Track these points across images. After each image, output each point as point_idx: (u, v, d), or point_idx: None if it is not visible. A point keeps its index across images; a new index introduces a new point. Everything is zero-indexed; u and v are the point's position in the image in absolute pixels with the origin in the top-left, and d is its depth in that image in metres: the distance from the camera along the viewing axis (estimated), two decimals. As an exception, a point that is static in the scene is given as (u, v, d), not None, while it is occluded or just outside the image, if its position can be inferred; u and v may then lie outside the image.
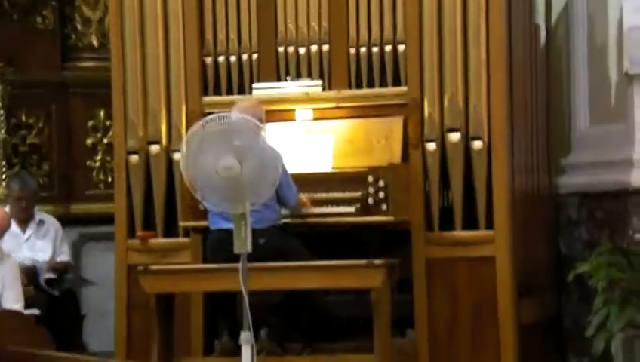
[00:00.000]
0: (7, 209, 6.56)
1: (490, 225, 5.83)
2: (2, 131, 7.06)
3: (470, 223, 5.89)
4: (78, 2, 7.50)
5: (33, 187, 6.74)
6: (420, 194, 5.88)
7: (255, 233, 4.80)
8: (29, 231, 6.69)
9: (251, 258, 4.75)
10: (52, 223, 6.77)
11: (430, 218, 5.90)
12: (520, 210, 6.03)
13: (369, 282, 5.42)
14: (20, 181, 6.68)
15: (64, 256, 6.75)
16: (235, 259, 4.80)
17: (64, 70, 7.45)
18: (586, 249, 6.32)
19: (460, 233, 5.87)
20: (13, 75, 7.12)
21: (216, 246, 5.68)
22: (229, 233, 5.08)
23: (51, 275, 6.55)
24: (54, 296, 6.46)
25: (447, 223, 5.91)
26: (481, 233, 5.84)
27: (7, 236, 6.40)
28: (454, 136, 5.88)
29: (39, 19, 7.42)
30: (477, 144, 5.86)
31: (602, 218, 6.34)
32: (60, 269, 6.68)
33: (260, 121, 5.65)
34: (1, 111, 7.06)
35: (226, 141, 4.58)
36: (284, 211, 5.77)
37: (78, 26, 7.52)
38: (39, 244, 6.69)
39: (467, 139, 5.88)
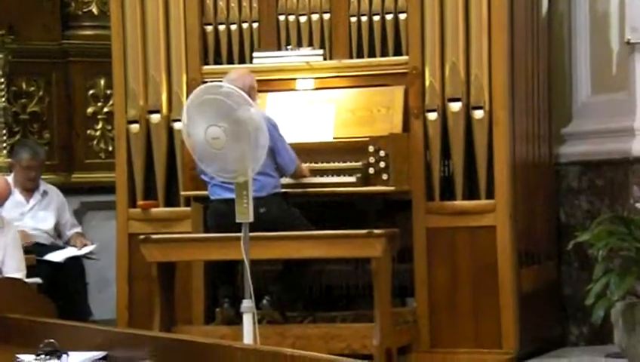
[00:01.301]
0: (10, 177, 6.56)
1: (490, 195, 5.84)
2: (3, 99, 7.04)
3: (471, 193, 5.89)
4: (76, -30, 7.47)
5: (43, 157, 6.74)
6: (421, 163, 5.88)
7: (255, 201, 4.81)
8: (32, 201, 6.68)
9: (251, 226, 4.76)
10: (56, 194, 6.76)
11: (431, 187, 5.90)
12: (521, 180, 6.03)
13: (369, 251, 5.43)
14: (30, 150, 6.66)
15: (76, 228, 6.76)
16: (236, 228, 4.81)
17: (64, 38, 7.42)
18: (586, 218, 6.33)
19: (460, 202, 5.87)
20: (13, 44, 7.08)
21: (217, 216, 5.69)
22: (229, 203, 5.11)
23: (59, 259, 6.49)
24: (58, 263, 6.47)
25: (447, 193, 5.91)
26: (482, 202, 5.85)
27: (10, 204, 6.40)
28: (455, 106, 5.87)
29: (39, -13, 7.39)
30: (478, 113, 5.85)
31: (603, 187, 6.35)
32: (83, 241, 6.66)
33: (252, 89, 5.67)
34: (2, 80, 7.03)
35: (212, 111, 4.59)
36: (284, 180, 5.78)
37: (79, -6, 7.49)
38: (42, 214, 6.68)
39: (468, 108, 5.87)
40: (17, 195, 6.60)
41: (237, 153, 4.59)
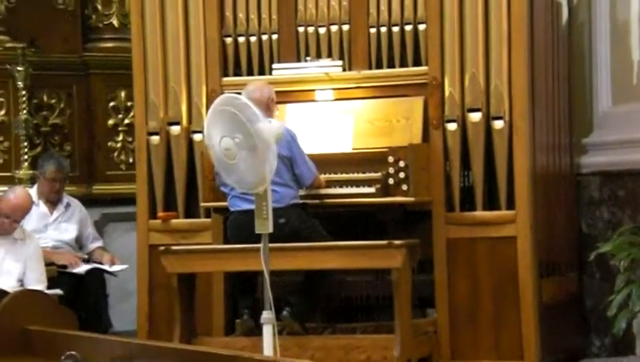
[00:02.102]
0: (32, 190, 6.60)
1: (511, 206, 5.82)
2: (24, 112, 7.09)
3: (491, 203, 5.88)
4: (99, -17, 7.52)
5: (67, 169, 6.78)
6: (441, 174, 5.87)
7: (275, 212, 4.81)
8: (56, 213, 6.71)
9: (271, 237, 4.76)
10: (78, 206, 6.79)
11: (451, 198, 5.89)
12: (541, 190, 6.01)
13: (390, 262, 5.42)
14: (56, 162, 6.70)
15: (98, 242, 6.78)
16: (256, 239, 4.81)
17: (85, 51, 7.46)
18: (607, 228, 6.30)
19: (480, 213, 5.85)
20: (34, 56, 7.14)
21: (237, 227, 5.70)
22: (248, 214, 5.11)
23: (80, 271, 6.50)
24: (79, 275, 6.49)
25: (468, 203, 5.90)
26: (502, 213, 5.83)
27: (35, 216, 6.44)
28: (475, 116, 5.86)
29: (60, 0, 7.42)
30: (498, 124, 5.83)
31: (624, 197, 6.31)
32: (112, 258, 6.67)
33: (270, 101, 5.69)
34: (24, 92, 7.08)
35: (225, 122, 4.61)
36: (302, 192, 5.78)
37: (99, 7, 7.52)
38: (64, 226, 6.71)
39: (488, 118, 5.86)
40: (42, 207, 6.65)
41: (246, 165, 4.60)
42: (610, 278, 5.74)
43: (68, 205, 6.74)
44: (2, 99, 7.19)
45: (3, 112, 7.19)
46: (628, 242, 5.17)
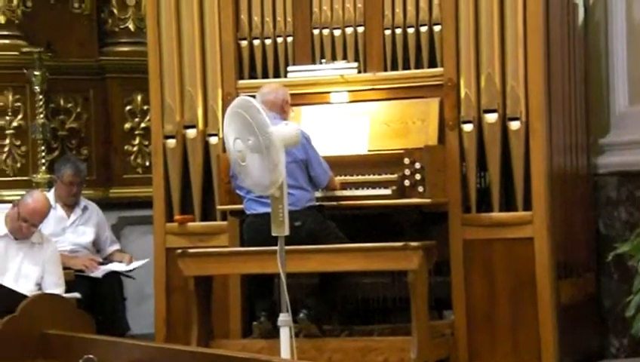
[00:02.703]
0: (50, 193, 6.62)
1: (528, 207, 5.80)
2: (41, 116, 7.11)
3: (508, 204, 5.86)
4: (114, -14, 7.54)
5: (84, 173, 6.80)
6: (457, 175, 5.85)
7: (291, 215, 4.81)
8: (73, 216, 6.73)
9: (287, 240, 4.77)
10: (95, 210, 6.81)
11: (467, 199, 5.87)
12: (558, 191, 5.99)
13: (406, 264, 5.41)
14: (73, 166, 6.72)
15: (116, 245, 6.80)
16: (272, 242, 4.82)
17: (101, 55, 7.48)
18: (625, 229, 6.27)
19: (497, 214, 5.84)
20: (51, 61, 7.16)
21: (253, 229, 5.70)
22: (264, 217, 5.12)
23: (98, 274, 6.52)
24: (96, 279, 6.51)
25: (484, 205, 5.88)
26: (519, 214, 5.81)
27: (52, 219, 6.46)
28: (491, 117, 5.84)
29: (76, 5, 7.44)
30: (514, 124, 5.82)
31: (642, 198, 6.28)
32: (130, 258, 6.69)
33: (285, 103, 5.70)
34: (40, 96, 7.11)
35: (238, 124, 4.62)
36: (318, 194, 5.77)
37: (115, 11, 7.54)
38: (82, 229, 6.73)
39: (504, 119, 5.84)
40: (59, 210, 6.67)
41: (257, 168, 4.60)
42: (629, 279, 5.70)
43: (85, 208, 6.76)
44: (19, 104, 7.21)
45: (20, 117, 7.22)
46: (646, 243, 5.13)
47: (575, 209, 6.28)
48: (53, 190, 6.76)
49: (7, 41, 7.13)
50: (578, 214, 6.32)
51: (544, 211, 5.78)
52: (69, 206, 6.72)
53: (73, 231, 6.72)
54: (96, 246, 6.78)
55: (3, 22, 7.11)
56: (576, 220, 6.27)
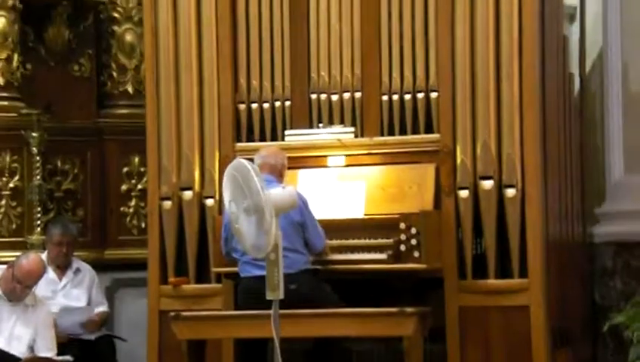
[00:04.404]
0: (43, 255, 6.59)
1: (524, 274, 5.78)
2: (38, 177, 7.11)
3: (504, 271, 5.84)
4: (114, 50, 7.58)
5: (74, 232, 6.77)
6: (453, 241, 5.85)
7: (286, 278, 4.78)
8: (65, 279, 6.69)
9: (282, 303, 4.73)
10: (88, 271, 6.77)
11: (463, 266, 5.86)
12: (554, 259, 5.98)
13: (401, 330, 5.37)
14: (61, 226, 6.70)
15: (103, 307, 6.73)
16: (267, 305, 4.78)
17: (100, 117, 7.52)
18: (621, 299, 6.24)
19: (493, 281, 5.82)
20: (49, 122, 7.19)
21: (248, 293, 5.67)
22: (259, 280, 5.09)
23: (90, 337, 6.48)
24: (89, 341, 6.45)
25: (480, 271, 5.87)
26: (515, 281, 5.79)
27: (43, 282, 6.40)
28: (487, 184, 5.85)
29: (76, 67, 7.50)
30: (510, 192, 5.83)
31: (638, 267, 6.27)
32: (102, 321, 6.65)
33: (283, 167, 5.71)
34: (38, 158, 7.12)
35: (232, 187, 4.63)
36: (312, 257, 5.76)
37: (114, 74, 7.59)
38: (75, 292, 6.68)
39: (500, 186, 5.85)
40: (50, 273, 6.61)
41: (251, 230, 4.60)
42: (624, 350, 5.67)
43: (78, 270, 6.72)
44: (16, 165, 7.22)
45: (17, 178, 7.21)
46: (642, 312, 5.11)
47: (571, 277, 6.26)
48: (46, 252, 6.73)
49: (5, 103, 7.16)
50: (574, 283, 6.30)
51: (540, 279, 5.76)
52: (61, 268, 6.68)
53: (65, 294, 6.67)
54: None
55: (2, 84, 7.14)
56: (572, 289, 6.25)
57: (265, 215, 4.55)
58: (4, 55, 7.11)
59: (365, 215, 5.91)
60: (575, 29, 6.87)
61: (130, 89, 7.59)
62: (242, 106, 6.29)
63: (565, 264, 6.18)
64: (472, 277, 5.85)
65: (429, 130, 6.00)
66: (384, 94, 6.07)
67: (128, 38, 7.58)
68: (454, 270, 5.83)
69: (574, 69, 6.68)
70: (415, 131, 6.01)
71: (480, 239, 5.89)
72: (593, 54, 6.77)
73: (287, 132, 6.16)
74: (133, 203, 7.53)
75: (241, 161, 4.77)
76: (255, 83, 6.27)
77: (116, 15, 7.56)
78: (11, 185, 7.19)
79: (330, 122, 6.12)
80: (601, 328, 5.67)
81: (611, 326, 5.36)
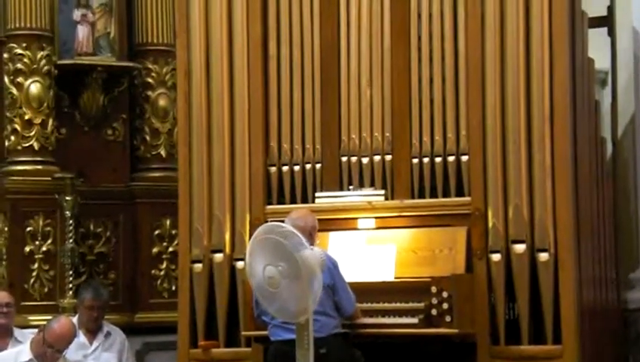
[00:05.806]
0: (74, 319, 6.58)
1: (557, 340, 5.70)
2: (71, 241, 7.15)
3: (537, 337, 5.76)
4: (148, 115, 7.67)
5: (106, 297, 6.76)
6: (485, 305, 5.78)
7: (316, 342, 4.74)
8: (96, 343, 6.67)
9: (312, 367, 4.69)
10: (118, 335, 6.75)
11: (496, 331, 5.78)
12: (588, 325, 5.89)
13: (433, 395, 5.30)
14: (93, 290, 6.70)
15: None
16: (297, 368, 4.74)
17: (132, 180, 7.58)
18: (656, 366, 6.13)
19: (527, 347, 5.74)
20: (82, 186, 7.25)
21: (278, 357, 5.61)
22: (289, 343, 5.05)
23: None
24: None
25: (513, 336, 5.79)
26: (549, 347, 5.71)
27: (73, 346, 6.36)
28: (519, 248, 5.81)
29: (110, 132, 7.59)
30: (543, 256, 5.77)
31: (673, 334, 6.17)
32: None
33: (313, 229, 5.70)
34: (71, 221, 7.16)
35: (269, 250, 4.62)
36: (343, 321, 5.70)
37: (148, 138, 7.67)
38: (105, 356, 6.66)
39: (533, 250, 5.80)
40: (81, 337, 6.60)
41: (289, 294, 4.57)
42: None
43: (108, 334, 6.70)
44: (49, 228, 7.26)
45: (50, 241, 7.26)
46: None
47: (605, 344, 6.16)
48: (77, 316, 6.73)
49: (40, 167, 7.24)
50: (608, 350, 6.20)
51: (574, 345, 5.67)
52: (92, 332, 6.66)
53: (96, 358, 6.63)
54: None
55: (37, 148, 7.23)
56: (606, 355, 6.15)
57: (307, 276, 4.53)
58: (39, 120, 7.22)
59: (396, 278, 5.87)
60: (607, 93, 6.86)
61: (162, 152, 7.65)
62: (273, 169, 6.31)
63: (599, 329, 6.09)
64: (505, 342, 5.77)
65: (459, 193, 5.97)
66: (414, 157, 6.06)
67: (162, 102, 7.67)
68: (487, 335, 5.76)
69: (607, 133, 6.65)
70: (446, 194, 5.99)
71: (513, 304, 5.82)
72: (626, 119, 6.74)
73: (317, 194, 6.16)
74: (164, 265, 7.53)
75: (276, 223, 4.76)
76: (286, 146, 6.30)
77: (150, 80, 7.66)
78: (44, 248, 7.23)
79: (361, 185, 6.12)
80: (637, 395, 5.57)
81: (647, 392, 5.26)
